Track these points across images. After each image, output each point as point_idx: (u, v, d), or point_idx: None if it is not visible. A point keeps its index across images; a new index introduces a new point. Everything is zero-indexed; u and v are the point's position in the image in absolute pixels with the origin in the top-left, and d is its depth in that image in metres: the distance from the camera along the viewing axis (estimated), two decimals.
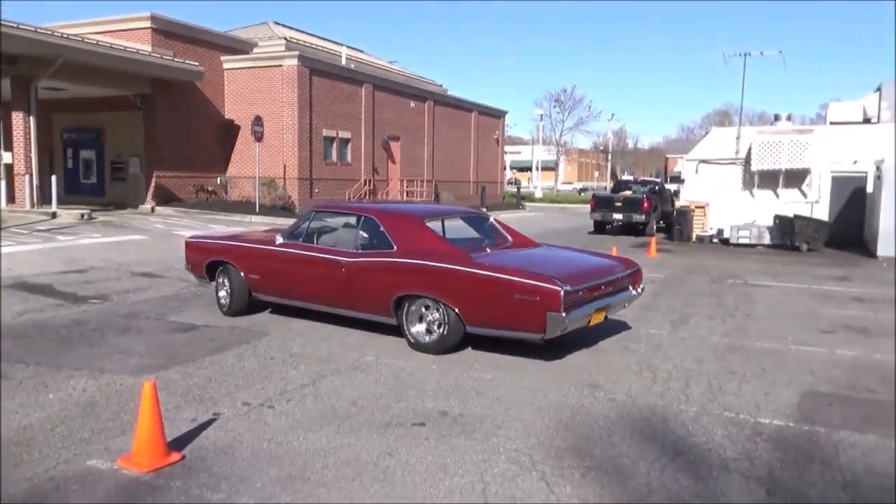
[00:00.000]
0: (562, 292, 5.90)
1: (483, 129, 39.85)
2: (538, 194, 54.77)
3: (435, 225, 7.48)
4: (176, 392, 5.44)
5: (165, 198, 24.02)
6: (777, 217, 19.44)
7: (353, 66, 29.71)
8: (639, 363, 6.50)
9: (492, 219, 8.29)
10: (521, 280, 6.10)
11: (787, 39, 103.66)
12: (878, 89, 21.16)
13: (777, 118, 23.06)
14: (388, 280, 6.86)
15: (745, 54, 23.60)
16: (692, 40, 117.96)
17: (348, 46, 33.89)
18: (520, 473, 4.16)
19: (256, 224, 21.38)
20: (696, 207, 21.09)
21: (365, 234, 7.51)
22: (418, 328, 6.76)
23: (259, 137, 23.97)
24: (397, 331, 7.26)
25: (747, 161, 20.61)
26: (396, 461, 4.28)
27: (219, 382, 5.71)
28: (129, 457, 4.21)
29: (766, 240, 19.44)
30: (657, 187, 26.75)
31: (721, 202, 20.88)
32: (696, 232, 20.88)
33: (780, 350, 7.28)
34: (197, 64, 24.03)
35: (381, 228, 7.21)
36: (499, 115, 42.43)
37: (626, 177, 76.87)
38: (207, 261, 8.43)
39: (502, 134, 43.31)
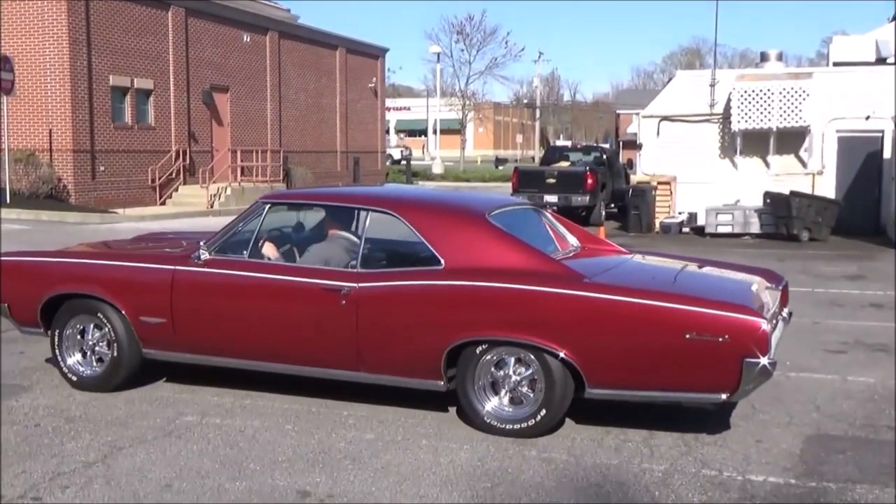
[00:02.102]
0: (767, 327, 5.65)
1: (354, 76, 39.82)
2: (437, 169, 55.30)
3: (504, 222, 6.66)
4: None
5: None
6: (768, 195, 20.50)
7: None
8: (584, 405, 6.67)
9: (548, 212, 7.79)
10: (699, 310, 5.73)
11: None
12: (895, 18, 22.75)
13: (764, 58, 24.35)
14: (433, 317, 6.16)
15: None
16: None
17: None
18: None
19: (8, 222, 20.40)
20: (660, 184, 21.95)
21: (378, 243, 6.95)
22: (497, 399, 6.14)
23: (7, 88, 22.93)
24: (229, 379, 7.15)
25: (726, 117, 21.64)
26: None
27: None
28: None
29: (755, 227, 20.45)
30: (605, 156, 27.64)
31: (692, 175, 21.82)
32: (661, 218, 21.72)
33: (775, 379, 7.65)
34: None
35: (414, 230, 6.45)
36: (376, 53, 42.49)
37: (561, 141, 78.94)
38: (49, 294, 7.13)
39: (382, 82, 43.43)
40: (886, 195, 20.39)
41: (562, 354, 5.85)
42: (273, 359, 6.69)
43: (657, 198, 21.83)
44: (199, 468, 5.46)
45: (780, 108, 20.74)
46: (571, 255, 7.03)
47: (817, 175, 21.34)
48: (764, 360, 5.57)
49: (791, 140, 21.37)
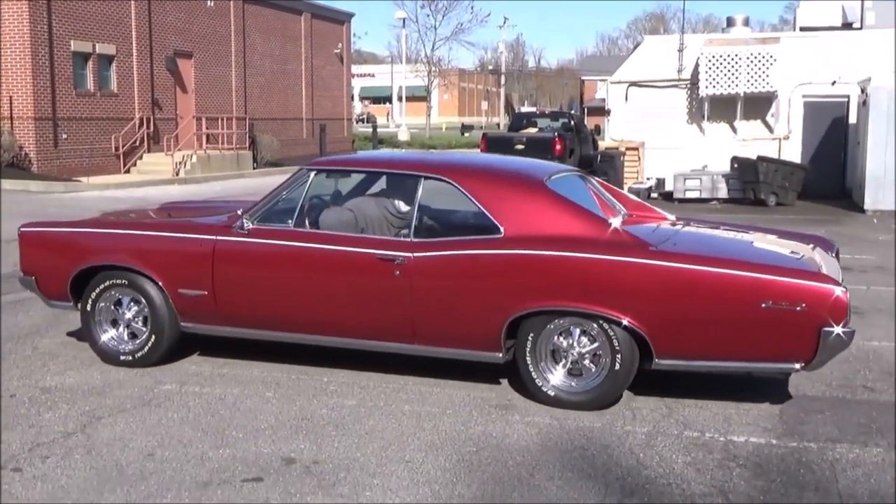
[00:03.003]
0: (845, 296, 5.54)
1: (319, 42, 39.43)
2: (403, 136, 55.11)
3: (565, 188, 6.53)
4: None
5: None
6: (735, 160, 20.65)
7: None
8: None
9: (594, 179, 7.56)
10: (776, 279, 5.63)
11: None
12: None
13: (731, 23, 24.47)
14: (494, 288, 6.01)
15: None
16: None
17: None
18: None
19: None
20: (628, 150, 22.03)
21: (430, 211, 6.76)
22: (560, 372, 6.03)
23: None
24: (205, 347, 7.09)
25: (694, 82, 21.71)
26: None
27: None
28: None
29: (723, 192, 20.63)
30: (573, 122, 27.63)
31: (660, 141, 21.95)
32: (629, 184, 21.79)
33: None
34: None
35: (471, 198, 6.29)
36: (342, 19, 42.10)
37: (525, 108, 78.96)
38: (81, 267, 6.89)
39: (348, 48, 43.06)
40: (852, 160, 20.60)
41: (625, 322, 5.73)
42: (322, 331, 6.53)
43: (625, 163, 21.88)
44: (181, 436, 5.43)
45: (748, 73, 20.85)
46: (624, 222, 6.79)
47: (784, 140, 21.51)
48: (841, 329, 5.51)
49: (758, 105, 21.49)
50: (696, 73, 21.52)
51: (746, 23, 24.39)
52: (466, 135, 61.71)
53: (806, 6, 24.32)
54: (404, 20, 64.62)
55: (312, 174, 6.72)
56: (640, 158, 22.16)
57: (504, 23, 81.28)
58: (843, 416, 5.91)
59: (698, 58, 21.36)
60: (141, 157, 27.46)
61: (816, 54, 21.05)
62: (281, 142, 33.57)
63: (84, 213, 16.08)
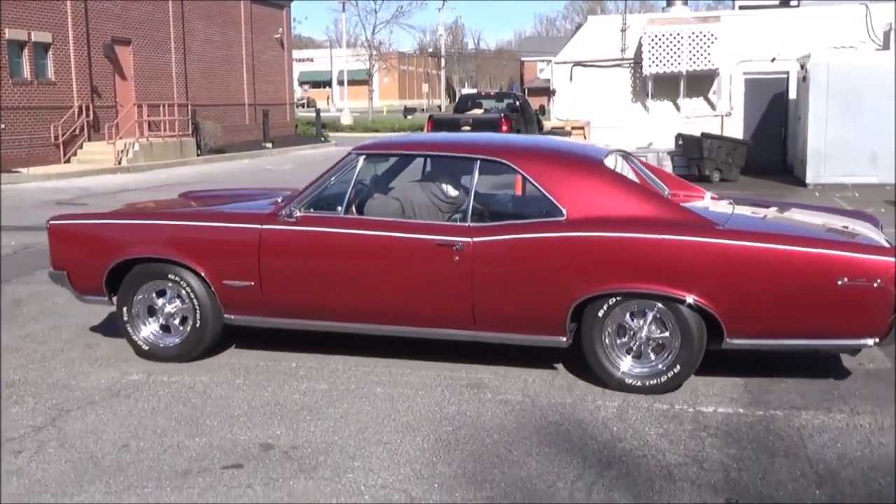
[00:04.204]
0: None
1: (260, 26, 38.98)
2: (345, 120, 54.87)
3: (623, 168, 6.52)
4: None
5: None
6: (680, 137, 20.94)
7: None
8: (530, 347, 6.75)
9: (636, 159, 7.42)
10: (853, 255, 5.56)
11: None
12: None
13: (670, 2, 24.74)
14: (558, 271, 5.88)
15: None
16: None
17: None
18: None
19: None
20: (574, 129, 22.19)
21: (487, 194, 6.63)
22: (629, 355, 5.93)
23: None
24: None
25: (637, 61, 21.94)
26: None
27: None
28: None
29: (668, 169, 20.81)
30: (517, 102, 27.75)
31: (606, 120, 22.16)
32: None
33: None
34: None
35: (531, 180, 6.18)
36: (282, 4, 41.64)
37: (467, 90, 79.03)
38: (118, 260, 6.64)
39: (288, 33, 42.67)
40: (793, 135, 21.00)
41: (690, 300, 5.66)
42: (377, 320, 6.37)
43: None
44: (155, 426, 5.39)
45: (690, 51, 21.14)
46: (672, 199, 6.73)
47: (726, 117, 21.86)
48: None
49: (700, 83, 21.82)
50: (639, 52, 21.76)
51: (686, 2, 24.74)
52: (409, 117, 61.53)
53: None
54: (344, 4, 64.32)
55: (361, 159, 6.52)
56: (585, 137, 22.32)
57: (443, 5, 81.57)
58: (804, 384, 6.04)
59: (641, 37, 21.60)
60: (81, 147, 26.92)
61: (756, 32, 21.42)
62: (224, 128, 33.17)
63: (27, 205, 15.79)
